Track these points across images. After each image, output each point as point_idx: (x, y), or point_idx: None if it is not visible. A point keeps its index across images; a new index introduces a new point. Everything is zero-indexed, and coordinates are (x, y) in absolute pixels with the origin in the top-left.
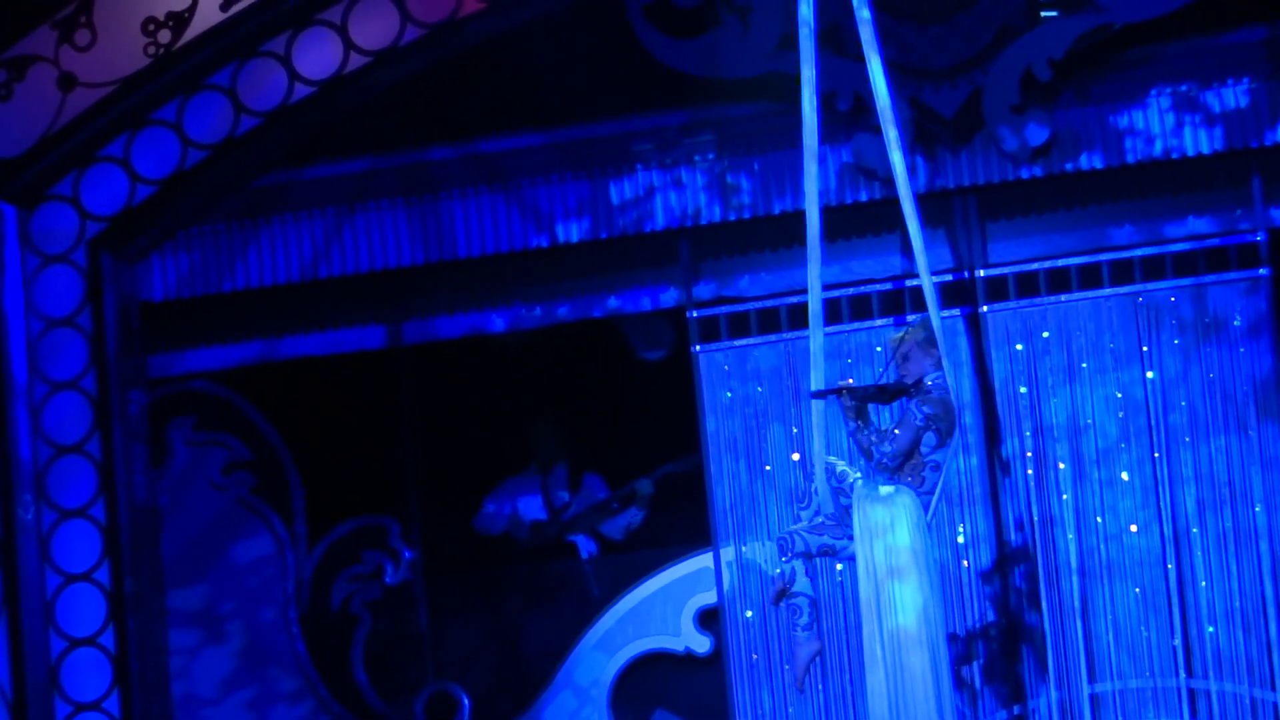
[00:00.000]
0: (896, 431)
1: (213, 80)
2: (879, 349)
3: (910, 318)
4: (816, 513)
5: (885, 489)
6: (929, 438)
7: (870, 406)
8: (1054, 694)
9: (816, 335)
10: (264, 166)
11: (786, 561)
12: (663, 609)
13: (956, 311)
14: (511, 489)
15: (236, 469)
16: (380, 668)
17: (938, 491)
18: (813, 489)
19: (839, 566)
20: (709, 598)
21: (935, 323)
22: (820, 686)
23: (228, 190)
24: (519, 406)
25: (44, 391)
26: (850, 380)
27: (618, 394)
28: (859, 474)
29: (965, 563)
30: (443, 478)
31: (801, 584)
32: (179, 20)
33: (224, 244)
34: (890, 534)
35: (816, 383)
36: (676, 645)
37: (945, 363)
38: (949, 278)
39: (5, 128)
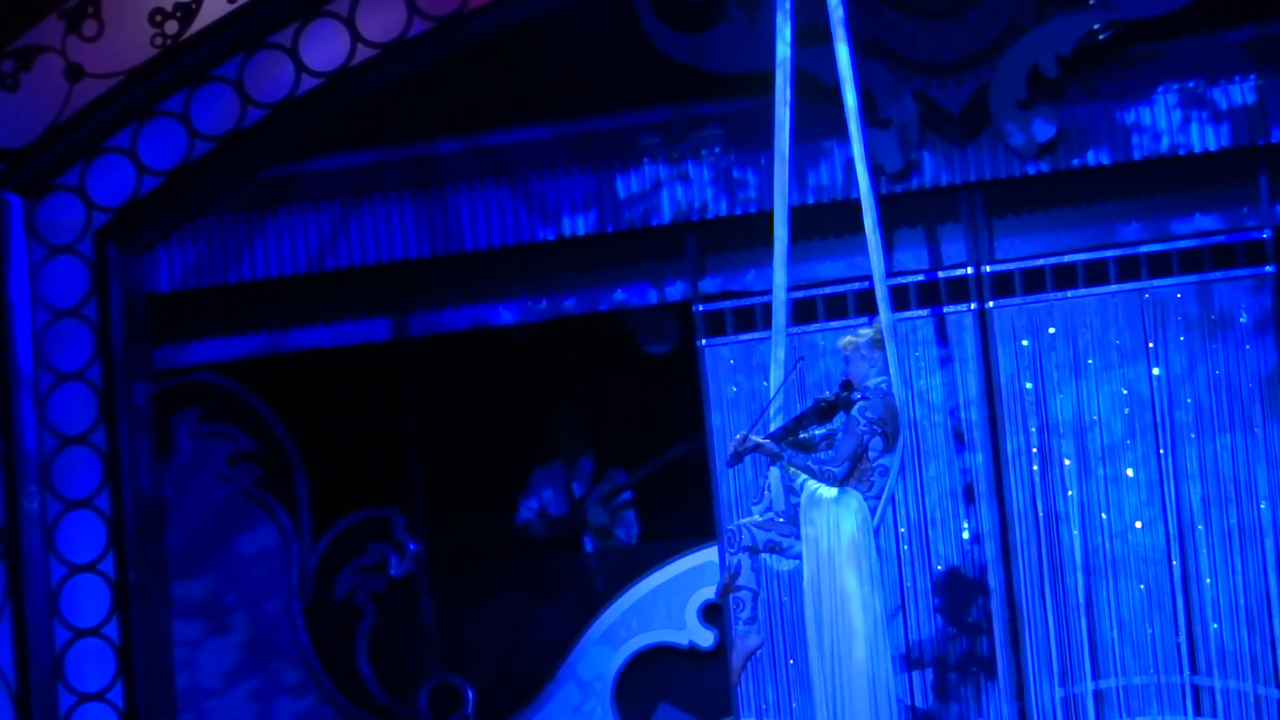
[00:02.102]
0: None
1: (220, 72)
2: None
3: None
4: (768, 508)
5: (831, 491)
6: (876, 442)
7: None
8: (1058, 690)
9: (778, 345)
10: (271, 158)
11: (733, 554)
12: (667, 603)
13: (965, 307)
14: (536, 483)
15: (241, 460)
16: (384, 660)
17: (884, 496)
18: (766, 485)
19: None
20: (712, 592)
21: (885, 325)
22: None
23: (234, 182)
24: (524, 399)
25: (49, 382)
26: (753, 434)
27: (623, 387)
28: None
29: (970, 558)
30: (447, 470)
31: (747, 578)
32: (186, 11)
33: (230, 236)
34: (833, 532)
35: (775, 382)
36: (680, 639)
37: (893, 366)
38: (955, 273)
39: (12, 118)
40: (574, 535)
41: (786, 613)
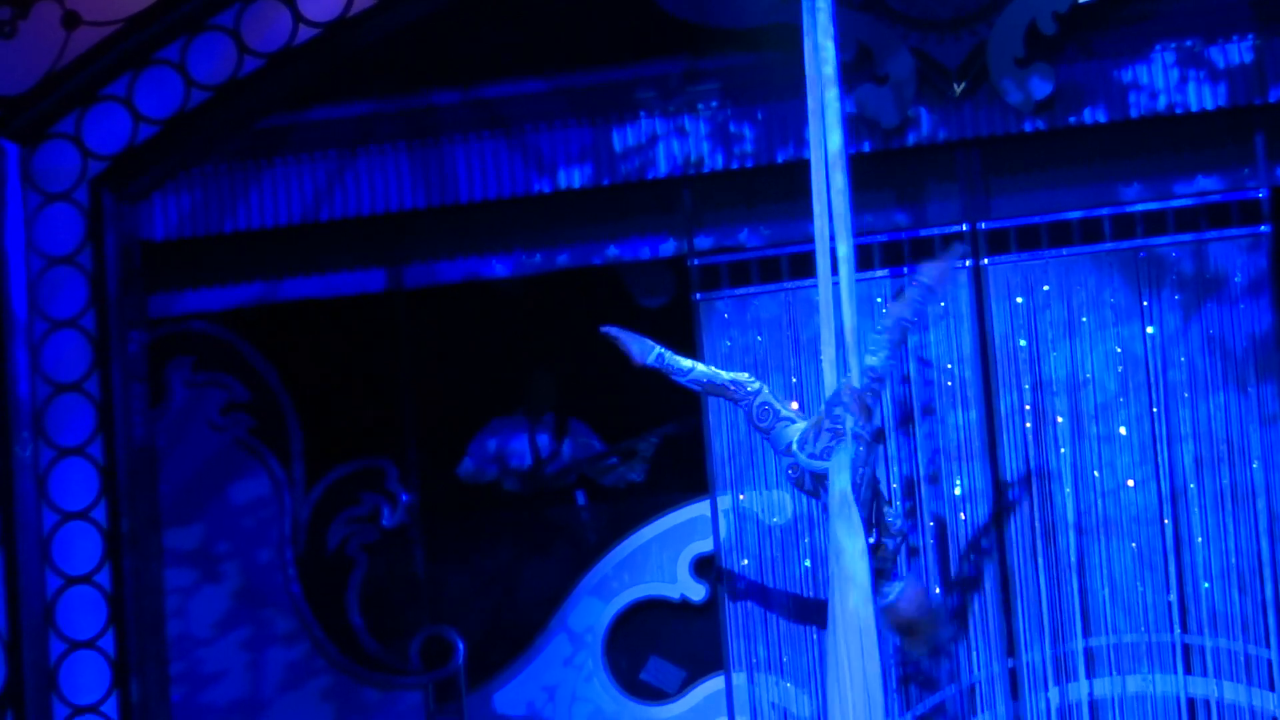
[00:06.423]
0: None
1: (217, 20)
2: (879, 299)
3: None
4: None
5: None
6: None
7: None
8: (1048, 648)
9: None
10: (267, 108)
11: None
12: (659, 556)
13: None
14: (502, 432)
15: (235, 410)
16: (376, 610)
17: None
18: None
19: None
20: (705, 546)
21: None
22: (815, 637)
23: (230, 131)
24: (518, 351)
25: (43, 329)
26: None
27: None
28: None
29: (962, 516)
30: (441, 421)
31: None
32: None
33: (225, 185)
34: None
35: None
36: (672, 593)
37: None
38: (951, 229)
39: (9, 65)
40: (564, 490)
41: (778, 569)
